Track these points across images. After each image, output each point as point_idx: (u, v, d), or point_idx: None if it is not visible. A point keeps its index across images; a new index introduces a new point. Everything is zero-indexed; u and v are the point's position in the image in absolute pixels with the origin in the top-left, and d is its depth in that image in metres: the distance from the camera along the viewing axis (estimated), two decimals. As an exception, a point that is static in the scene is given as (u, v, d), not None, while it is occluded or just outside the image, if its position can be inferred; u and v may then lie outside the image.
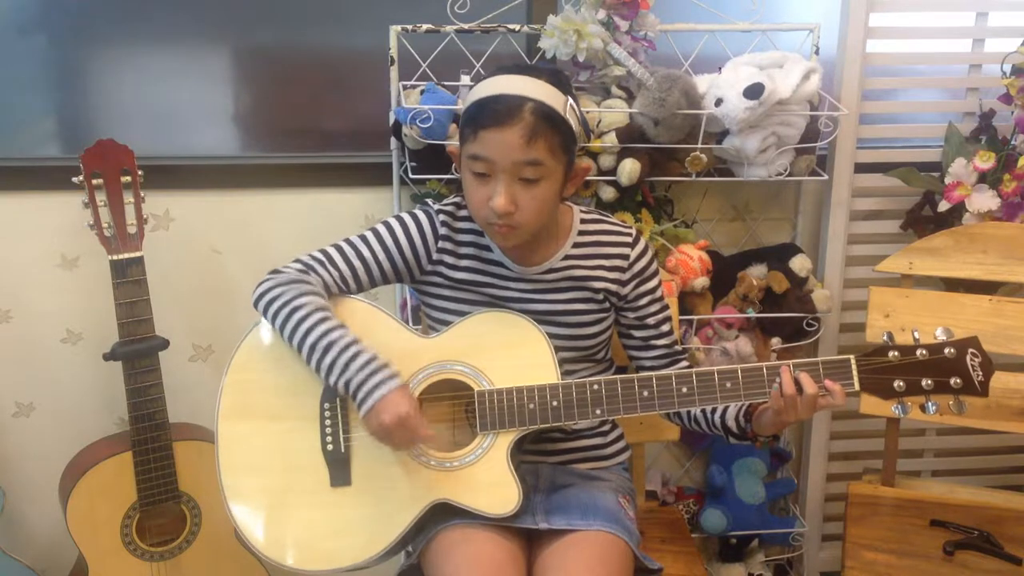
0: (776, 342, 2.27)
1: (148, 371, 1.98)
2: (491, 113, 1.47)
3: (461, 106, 1.89)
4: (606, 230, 1.67)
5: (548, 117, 1.47)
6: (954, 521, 1.91)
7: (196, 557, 2.08)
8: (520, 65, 1.58)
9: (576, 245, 1.65)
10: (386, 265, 1.64)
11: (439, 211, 1.65)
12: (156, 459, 2.00)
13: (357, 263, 1.63)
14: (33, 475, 2.28)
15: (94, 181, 1.91)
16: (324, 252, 1.63)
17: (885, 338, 1.51)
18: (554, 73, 1.54)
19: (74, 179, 1.92)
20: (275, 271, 1.60)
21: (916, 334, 1.51)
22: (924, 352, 1.49)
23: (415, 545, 1.60)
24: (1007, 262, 2.01)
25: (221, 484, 1.55)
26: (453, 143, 1.60)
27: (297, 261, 1.62)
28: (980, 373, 1.48)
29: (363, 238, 1.64)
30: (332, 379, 1.51)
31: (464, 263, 1.65)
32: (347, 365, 1.49)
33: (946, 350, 1.48)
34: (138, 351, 1.96)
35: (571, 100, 1.52)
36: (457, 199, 1.66)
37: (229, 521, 1.54)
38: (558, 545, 1.54)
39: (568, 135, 1.51)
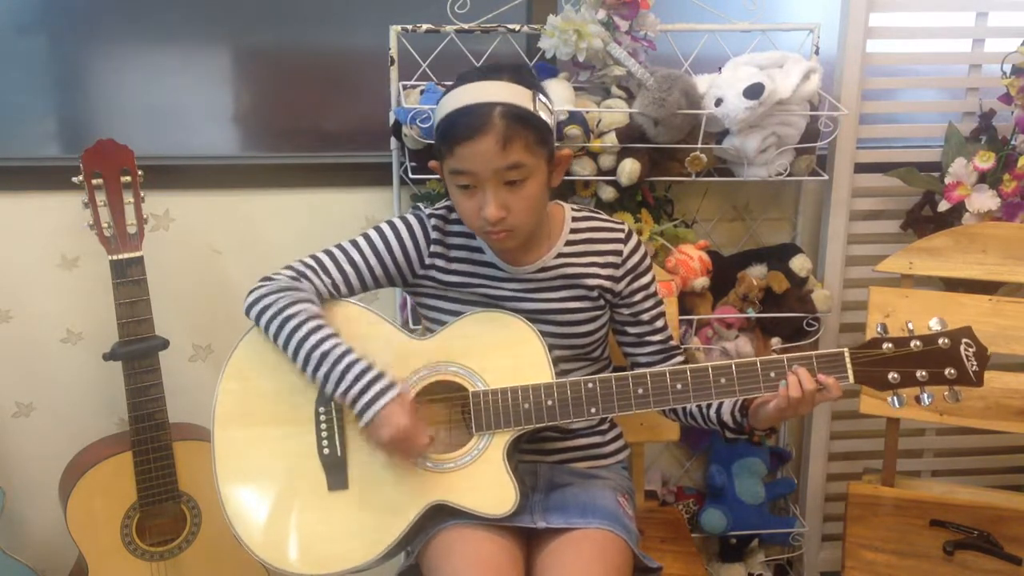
0: (776, 342, 2.26)
1: (148, 371, 1.98)
2: (461, 126, 1.46)
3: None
4: (598, 227, 1.67)
5: (518, 117, 1.46)
6: (954, 521, 1.90)
7: (196, 557, 2.08)
8: (481, 68, 1.56)
9: (569, 243, 1.65)
10: (378, 270, 1.63)
11: (431, 215, 1.65)
12: (156, 459, 2.00)
13: (349, 269, 1.62)
14: (33, 475, 2.29)
15: (94, 181, 1.92)
16: (315, 258, 1.63)
17: (879, 330, 1.51)
18: (516, 70, 1.53)
19: (74, 179, 1.92)
20: (266, 278, 1.60)
21: (910, 325, 1.51)
22: (918, 343, 1.49)
23: (414, 545, 1.59)
24: (1007, 262, 2.01)
25: (219, 491, 1.55)
26: (433, 160, 1.59)
27: (288, 268, 1.61)
28: (974, 363, 1.49)
29: (354, 243, 1.64)
30: (328, 390, 1.51)
31: (456, 266, 1.64)
32: (342, 377, 1.49)
33: (940, 340, 1.49)
34: (138, 351, 1.97)
35: (537, 93, 1.51)
36: (449, 202, 1.66)
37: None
38: (557, 544, 1.54)
39: (542, 129, 1.50)
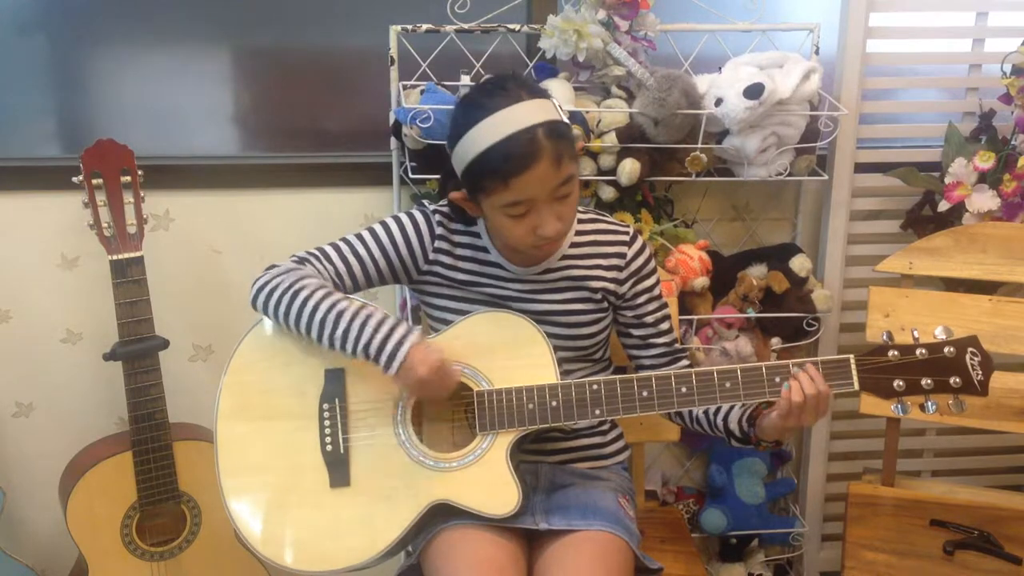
0: (776, 342, 2.26)
1: (148, 371, 1.98)
2: (512, 158, 1.43)
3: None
4: (603, 229, 1.67)
5: (558, 132, 1.46)
6: (954, 521, 1.90)
7: (196, 557, 2.08)
8: (490, 91, 1.48)
9: (573, 245, 1.65)
10: (381, 263, 1.63)
11: (436, 211, 1.65)
12: (156, 459, 2.00)
13: (352, 260, 1.63)
14: (33, 475, 2.28)
15: (94, 181, 1.92)
16: (320, 248, 1.64)
17: (884, 337, 1.51)
18: (525, 83, 1.50)
19: (74, 179, 1.92)
20: (271, 266, 1.60)
21: (916, 333, 1.51)
22: (923, 351, 1.49)
23: (415, 545, 1.60)
24: (1007, 262, 2.01)
25: (220, 485, 1.55)
26: (457, 192, 1.56)
27: (292, 256, 1.62)
28: (980, 372, 1.48)
29: (359, 236, 1.64)
30: (349, 348, 1.49)
31: (461, 264, 1.65)
32: (361, 330, 1.48)
33: (945, 349, 1.48)
34: (138, 351, 1.96)
35: (551, 98, 1.51)
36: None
37: (229, 521, 1.55)
38: (558, 545, 1.54)
39: (571, 133, 1.51)
